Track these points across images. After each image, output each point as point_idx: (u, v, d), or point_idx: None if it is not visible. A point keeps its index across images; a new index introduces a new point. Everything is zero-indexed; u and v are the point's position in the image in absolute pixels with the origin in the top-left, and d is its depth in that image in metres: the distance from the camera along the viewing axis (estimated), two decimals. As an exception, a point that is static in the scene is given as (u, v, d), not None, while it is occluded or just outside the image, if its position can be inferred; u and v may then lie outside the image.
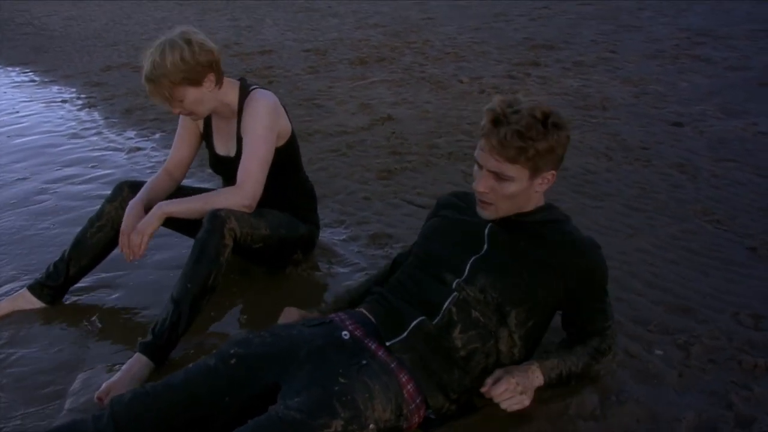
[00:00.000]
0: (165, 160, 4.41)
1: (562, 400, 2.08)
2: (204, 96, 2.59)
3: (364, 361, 1.90)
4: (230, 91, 2.70)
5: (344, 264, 3.01)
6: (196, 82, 2.54)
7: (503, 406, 1.95)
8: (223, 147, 2.82)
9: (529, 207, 2.10)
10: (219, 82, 2.62)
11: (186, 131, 2.88)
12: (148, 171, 4.31)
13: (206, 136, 2.87)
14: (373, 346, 1.96)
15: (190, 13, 12.26)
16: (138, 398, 1.87)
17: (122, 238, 2.59)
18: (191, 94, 2.56)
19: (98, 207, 2.79)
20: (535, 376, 2.02)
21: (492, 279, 2.01)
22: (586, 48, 7.43)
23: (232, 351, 1.96)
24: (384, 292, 2.14)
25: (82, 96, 6.58)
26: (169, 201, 2.60)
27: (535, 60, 6.93)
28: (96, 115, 5.85)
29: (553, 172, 2.03)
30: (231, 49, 8.22)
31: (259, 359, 1.93)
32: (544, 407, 2.05)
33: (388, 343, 1.96)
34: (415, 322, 1.98)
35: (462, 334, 1.97)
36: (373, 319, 2.04)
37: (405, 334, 1.97)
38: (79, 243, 2.74)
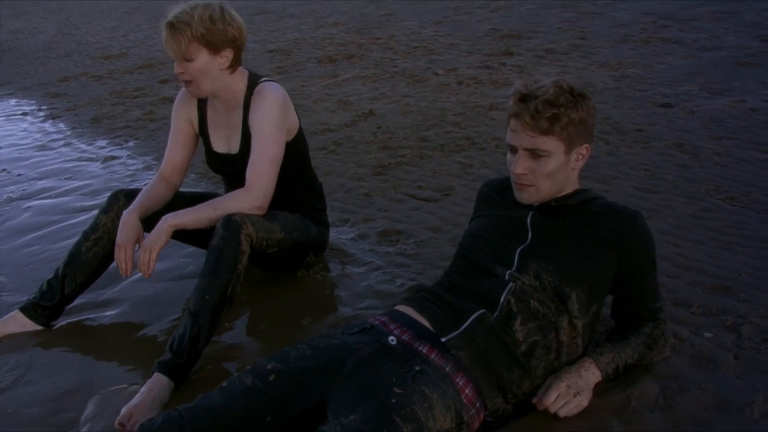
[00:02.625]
0: (144, 168, 4.28)
1: (621, 391, 1.96)
2: (213, 69, 2.43)
3: (417, 367, 1.75)
4: (239, 80, 2.53)
5: (358, 263, 2.84)
6: (214, 48, 2.39)
7: (561, 413, 1.86)
8: (224, 143, 2.63)
9: (568, 189, 2.05)
10: (233, 66, 2.47)
11: (180, 133, 2.69)
12: (128, 179, 4.09)
13: (202, 132, 2.68)
14: (424, 350, 1.81)
15: (141, 21, 11.92)
16: (171, 423, 1.68)
17: (118, 252, 2.39)
18: (203, 58, 2.40)
19: (92, 219, 2.58)
20: (591, 374, 1.93)
21: (544, 263, 1.92)
22: (554, 36, 7.36)
23: (269, 366, 1.78)
24: (434, 290, 2.01)
25: (43, 107, 6.30)
26: (174, 213, 2.39)
27: (507, 50, 6.84)
28: (62, 125, 5.59)
29: (587, 146, 2.00)
30: (192, 54, 7.97)
31: (301, 374, 1.76)
32: (604, 400, 1.93)
33: (443, 339, 1.82)
34: (474, 316, 1.86)
35: (522, 326, 1.85)
36: (422, 319, 1.89)
37: (464, 327, 1.84)
38: (73, 258, 2.53)
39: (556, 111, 1.86)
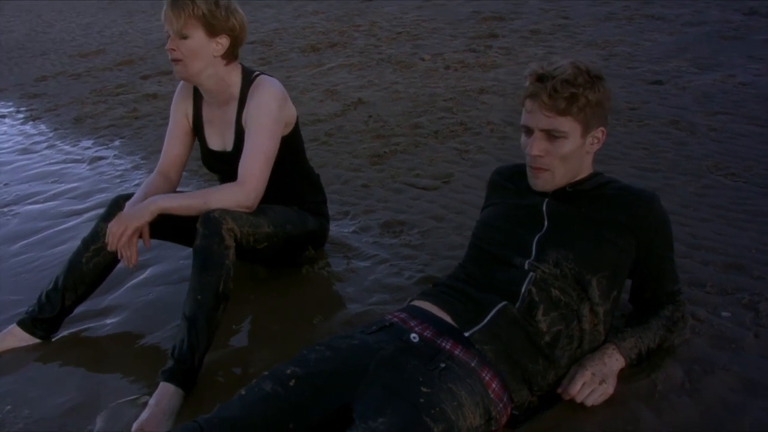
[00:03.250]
0: (133, 167, 4.19)
1: (646, 376, 1.92)
2: (206, 52, 2.36)
3: (443, 365, 1.69)
4: (233, 74, 2.46)
5: (363, 257, 2.78)
6: (211, 31, 2.34)
7: (587, 402, 1.82)
8: (218, 140, 2.56)
9: (583, 174, 2.01)
10: (228, 57, 2.41)
11: (178, 127, 2.61)
12: (117, 180, 4.00)
13: (196, 128, 2.61)
14: (447, 346, 1.75)
15: (116, 16, 11.74)
16: (191, 435, 1.61)
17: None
18: (198, 39, 2.33)
19: (92, 227, 2.47)
20: (614, 360, 1.89)
21: (563, 250, 1.88)
22: (537, 16, 7.31)
23: (288, 371, 1.71)
24: (452, 283, 1.95)
25: (22, 109, 6.17)
26: (164, 195, 2.34)
27: (491, 32, 6.79)
28: (43, 127, 5.47)
29: (602, 129, 1.97)
30: (171, 48, 7.84)
31: (322, 377, 1.70)
32: (630, 386, 1.89)
33: (466, 333, 1.77)
34: (497, 308, 1.80)
35: (545, 316, 1.80)
36: (442, 314, 1.84)
37: (486, 320, 1.78)
38: (74, 269, 2.42)
39: (574, 90, 1.82)
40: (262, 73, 2.51)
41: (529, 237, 1.94)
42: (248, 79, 2.46)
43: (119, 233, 2.23)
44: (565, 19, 7.03)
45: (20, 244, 3.34)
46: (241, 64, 2.51)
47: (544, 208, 1.99)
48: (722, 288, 2.31)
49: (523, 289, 1.82)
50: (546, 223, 1.96)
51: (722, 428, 1.73)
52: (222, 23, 2.35)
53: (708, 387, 1.87)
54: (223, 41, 2.37)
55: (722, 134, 3.65)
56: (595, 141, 1.95)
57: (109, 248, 2.27)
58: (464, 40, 6.59)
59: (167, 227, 2.40)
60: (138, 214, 2.25)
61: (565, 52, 5.67)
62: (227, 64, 2.43)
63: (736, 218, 2.77)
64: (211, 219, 2.20)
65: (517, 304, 1.81)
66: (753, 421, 1.74)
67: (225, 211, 2.25)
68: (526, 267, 1.87)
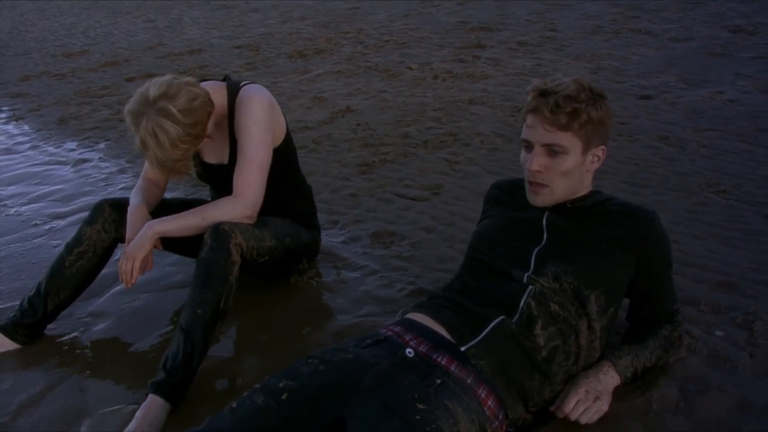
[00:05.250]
0: (118, 171, 4.13)
1: (641, 394, 1.91)
2: (209, 126, 2.30)
3: (438, 381, 1.67)
4: (218, 96, 2.36)
5: (352, 268, 2.75)
6: (204, 132, 2.25)
7: (581, 420, 1.79)
8: (214, 155, 2.51)
9: (583, 191, 2.00)
10: (212, 105, 2.29)
11: None
12: (102, 183, 3.93)
13: None
14: (443, 361, 1.72)
15: (100, 17, 11.63)
16: (179, 448, 1.58)
17: (126, 263, 2.24)
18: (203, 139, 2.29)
19: (76, 231, 2.43)
20: (609, 377, 1.87)
21: (563, 264, 1.86)
22: (525, 28, 7.33)
23: (281, 384, 1.67)
24: (448, 295, 1.92)
25: (5, 108, 6.06)
26: (159, 220, 2.28)
27: (478, 42, 6.79)
28: (26, 127, 5.38)
29: (603, 147, 1.95)
30: (156, 51, 7.79)
31: (315, 391, 1.66)
32: (624, 405, 1.87)
33: (463, 348, 1.74)
34: (495, 322, 1.77)
35: (543, 331, 1.78)
36: (438, 327, 1.81)
37: (483, 334, 1.76)
38: (56, 273, 2.38)
39: (576, 106, 1.81)
40: (248, 83, 2.43)
41: (528, 249, 1.92)
42: (234, 92, 2.39)
43: (130, 269, 2.22)
44: (552, 31, 7.05)
45: (1, 245, 3.27)
46: (225, 78, 2.45)
47: (543, 221, 1.97)
48: (716, 306, 2.30)
49: (522, 303, 1.80)
50: (545, 236, 1.94)
51: (718, 449, 1.72)
52: (202, 124, 2.22)
53: (703, 407, 1.86)
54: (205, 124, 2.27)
55: (712, 151, 3.66)
56: (596, 159, 1.94)
57: (126, 287, 2.26)
58: (452, 49, 6.58)
59: (169, 239, 2.36)
60: (140, 245, 2.23)
61: (553, 65, 5.67)
62: (214, 108, 2.30)
63: (729, 236, 2.76)
64: (220, 232, 2.17)
65: (515, 318, 1.78)
66: (748, 443, 1.73)
67: (234, 224, 2.22)
68: (525, 280, 1.84)
